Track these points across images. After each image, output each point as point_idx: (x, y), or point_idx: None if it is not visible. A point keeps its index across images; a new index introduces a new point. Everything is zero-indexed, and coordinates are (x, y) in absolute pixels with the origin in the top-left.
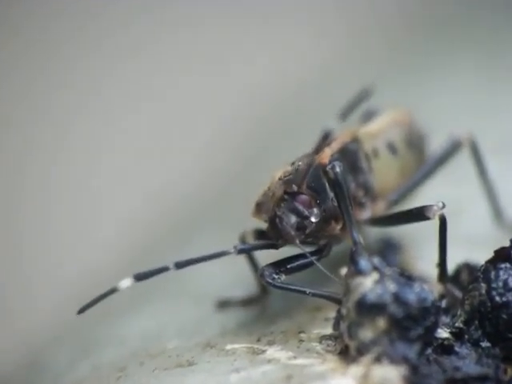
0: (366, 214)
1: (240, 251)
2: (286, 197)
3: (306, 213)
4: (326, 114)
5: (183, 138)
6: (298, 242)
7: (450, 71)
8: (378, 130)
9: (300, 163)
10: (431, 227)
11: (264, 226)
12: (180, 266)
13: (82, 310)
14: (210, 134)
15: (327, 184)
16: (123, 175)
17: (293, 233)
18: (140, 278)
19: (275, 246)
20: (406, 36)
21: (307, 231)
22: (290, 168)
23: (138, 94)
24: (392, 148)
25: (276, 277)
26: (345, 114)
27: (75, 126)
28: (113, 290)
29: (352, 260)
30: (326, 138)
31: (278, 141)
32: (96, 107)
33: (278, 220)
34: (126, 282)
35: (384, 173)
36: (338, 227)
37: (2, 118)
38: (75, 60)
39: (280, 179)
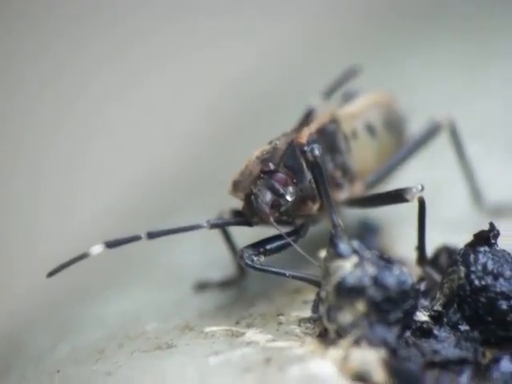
0: (343, 194)
1: (213, 225)
2: (262, 175)
3: (282, 191)
4: (307, 95)
5: (162, 123)
6: (272, 219)
7: (430, 57)
8: (357, 112)
9: (278, 142)
10: (410, 210)
11: (239, 206)
12: (152, 235)
13: (52, 273)
14: (189, 119)
15: (304, 164)
16: (101, 163)
17: (267, 210)
18: (111, 244)
19: (249, 224)
20: (386, 23)
21: (282, 209)
22: (267, 147)
23: (120, 82)
24: (371, 129)
25: (255, 258)
26: (329, 92)
27: (58, 115)
28: (84, 255)
29: (331, 243)
30: (308, 116)
31: (257, 124)
32: (81, 97)
33: (253, 197)
34: (97, 248)
35: (362, 154)
36: (315, 207)
37: None
38: (63, 50)
39: (257, 158)
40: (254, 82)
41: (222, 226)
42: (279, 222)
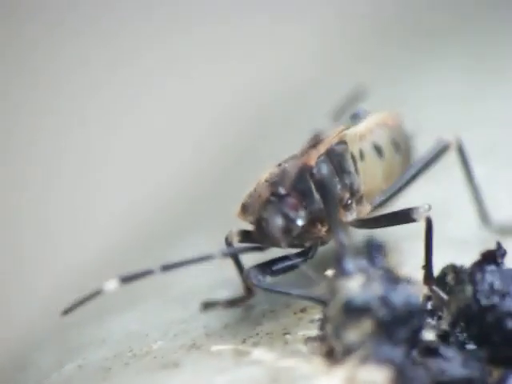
0: (351, 216)
1: (224, 255)
2: (272, 199)
3: (293, 216)
4: (316, 114)
5: (171, 138)
6: (284, 245)
7: (437, 76)
8: (365, 132)
9: (287, 165)
10: (417, 228)
11: (249, 226)
12: (166, 268)
13: (66, 312)
14: (198, 134)
15: (313, 186)
16: (108, 176)
17: (279, 236)
18: (125, 280)
19: (261, 249)
20: (393, 41)
21: (294, 234)
22: (276, 170)
23: (130, 94)
24: (378, 150)
25: (261, 279)
26: (337, 115)
27: (68, 126)
28: (97, 292)
29: (338, 262)
30: (316, 139)
31: (266, 141)
32: (90, 107)
33: (264, 223)
34: (111, 284)
35: (370, 175)
36: (324, 229)
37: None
38: (71, 60)
39: (266, 181)
40: (260, 95)
41: (233, 254)
42: (289, 245)
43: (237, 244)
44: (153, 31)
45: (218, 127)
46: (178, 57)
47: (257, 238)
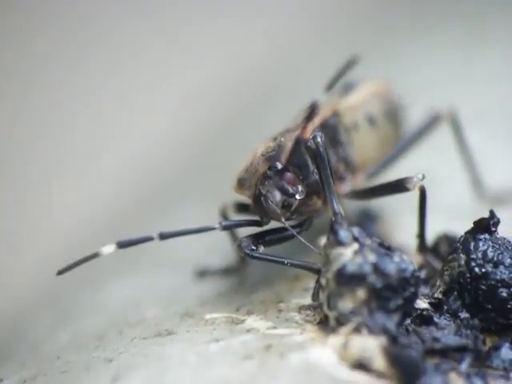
0: (346, 187)
1: (225, 227)
2: (269, 173)
3: (292, 190)
4: (303, 85)
5: (156, 106)
6: (283, 219)
7: (427, 43)
8: (357, 103)
9: (282, 139)
10: (411, 198)
11: (243, 199)
12: (164, 236)
13: (61, 272)
14: (183, 101)
15: (309, 159)
16: (97, 145)
17: (279, 211)
18: (123, 245)
19: (259, 223)
20: (383, 10)
21: (292, 208)
22: (272, 144)
23: (115, 64)
24: (371, 120)
25: (254, 248)
26: (331, 84)
27: (53, 99)
28: (95, 255)
29: (331, 230)
30: (312, 111)
31: (251, 109)
32: (75, 80)
33: (263, 198)
34: (108, 248)
35: (364, 145)
36: (320, 202)
37: None
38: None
39: (262, 155)
40: (252, 80)
41: (233, 227)
42: (287, 218)
43: (232, 216)
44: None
45: (203, 95)
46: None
47: (255, 212)
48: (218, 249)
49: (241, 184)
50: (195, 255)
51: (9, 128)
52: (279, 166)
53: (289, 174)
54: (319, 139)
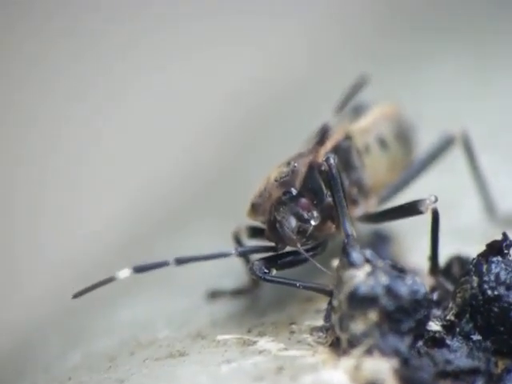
0: (359, 210)
1: (240, 254)
2: (284, 199)
3: (307, 216)
4: (316, 107)
5: (173, 130)
6: (299, 245)
7: (438, 62)
8: (369, 126)
9: (296, 164)
10: (423, 219)
11: (256, 223)
12: (180, 262)
13: (76, 296)
14: (200, 126)
15: (323, 183)
16: (112, 167)
17: (294, 237)
18: (139, 270)
19: (275, 249)
20: (393, 28)
21: (307, 234)
22: (285, 169)
23: (129, 84)
24: (383, 143)
25: (266, 271)
26: (341, 107)
27: (65, 116)
28: (111, 279)
29: (344, 252)
30: (323, 134)
31: (266, 133)
32: (86, 102)
33: (278, 225)
34: (124, 273)
35: (376, 168)
36: (334, 226)
37: None
38: (65, 59)
39: (276, 180)
40: (260, 91)
41: (249, 253)
42: (302, 245)
43: (245, 240)
44: (152, 24)
45: (218, 120)
46: (177, 51)
47: (270, 239)
48: (231, 271)
49: (254, 209)
50: (208, 277)
51: (22, 145)
52: (294, 191)
53: (303, 200)
54: (332, 161)
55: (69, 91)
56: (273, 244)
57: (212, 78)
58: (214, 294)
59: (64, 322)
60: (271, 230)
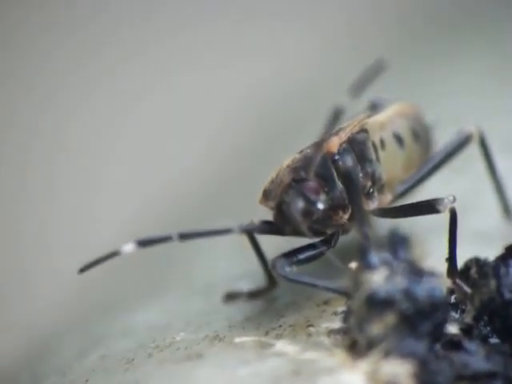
0: (373, 204)
1: (244, 230)
2: (293, 184)
3: (313, 199)
4: (328, 107)
5: (187, 133)
6: (304, 227)
7: (458, 70)
8: (386, 121)
9: (308, 151)
10: (441, 220)
11: (268, 219)
12: (183, 237)
13: (82, 270)
14: (216, 127)
15: (335, 173)
16: (123, 171)
17: (299, 218)
18: (143, 243)
19: (281, 233)
20: (414, 34)
21: (314, 217)
22: (298, 156)
23: (142, 87)
24: (399, 139)
25: (288, 269)
26: (357, 89)
27: (77, 122)
28: (114, 253)
29: (362, 255)
30: (337, 117)
31: (284, 134)
32: (97, 105)
33: (284, 206)
34: (128, 247)
35: (391, 164)
36: (346, 217)
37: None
38: (76, 57)
39: (288, 166)
40: (273, 91)
41: (252, 231)
42: (311, 231)
43: (258, 235)
44: (165, 27)
45: (235, 121)
46: (192, 51)
47: (277, 222)
48: (248, 272)
49: (266, 195)
50: (224, 280)
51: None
52: (303, 175)
53: (311, 183)
54: (350, 163)
55: (80, 89)
56: (278, 228)
57: (225, 76)
58: (231, 296)
59: (81, 325)
60: (278, 212)
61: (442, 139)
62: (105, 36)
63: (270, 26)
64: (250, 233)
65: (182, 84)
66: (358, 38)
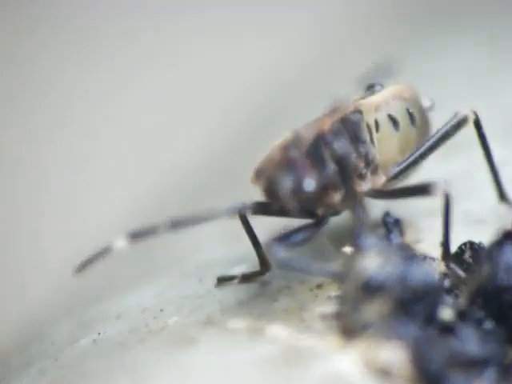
0: (366, 185)
1: (236, 210)
2: (284, 162)
3: (303, 177)
4: (329, 93)
5: (181, 126)
6: (293, 206)
7: (451, 52)
8: (381, 103)
9: (300, 131)
10: (435, 204)
11: (260, 200)
12: (174, 225)
13: (78, 270)
14: (213, 116)
15: (327, 153)
16: (123, 156)
17: (288, 195)
18: (134, 236)
19: (273, 213)
20: (406, 18)
21: (304, 197)
22: (290, 135)
23: (143, 71)
24: (394, 121)
25: (282, 254)
26: (362, 81)
27: (77, 105)
28: (107, 249)
29: (355, 239)
30: (332, 107)
31: (281, 127)
32: (97, 86)
33: (274, 184)
34: (119, 241)
35: (385, 146)
36: (337, 197)
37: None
38: (80, 38)
39: (279, 145)
40: (272, 78)
41: (244, 211)
42: (301, 211)
43: (250, 216)
44: (161, 15)
45: (233, 106)
46: (190, 40)
47: (267, 200)
48: (241, 257)
49: (258, 174)
50: (217, 263)
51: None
52: (294, 154)
53: (302, 162)
54: (344, 149)
55: (76, 82)
56: (268, 207)
57: (221, 67)
58: (224, 280)
59: (72, 310)
60: (268, 191)
61: (439, 122)
62: (99, 27)
63: (267, 15)
64: (242, 215)
65: (178, 76)
66: (357, 26)
